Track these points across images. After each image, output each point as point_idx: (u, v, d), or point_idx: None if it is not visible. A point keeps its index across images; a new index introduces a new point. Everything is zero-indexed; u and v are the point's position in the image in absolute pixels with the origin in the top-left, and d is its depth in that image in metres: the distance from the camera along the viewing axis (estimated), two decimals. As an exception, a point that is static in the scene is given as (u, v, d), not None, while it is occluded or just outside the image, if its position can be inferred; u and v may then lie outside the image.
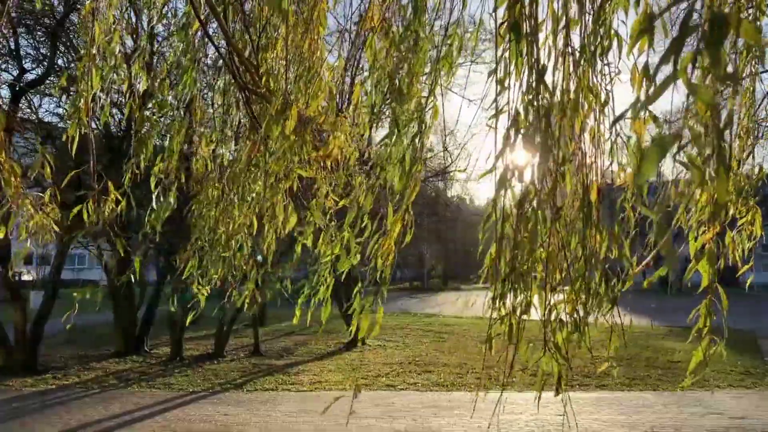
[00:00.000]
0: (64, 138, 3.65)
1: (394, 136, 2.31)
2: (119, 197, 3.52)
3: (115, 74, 3.68)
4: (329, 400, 9.75)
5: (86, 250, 17.65)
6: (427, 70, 2.82)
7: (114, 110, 11.68)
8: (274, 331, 19.19)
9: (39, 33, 12.98)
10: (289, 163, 2.97)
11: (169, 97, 3.89)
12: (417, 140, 2.31)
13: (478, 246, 2.30)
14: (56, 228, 3.68)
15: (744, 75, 3.20)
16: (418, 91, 2.30)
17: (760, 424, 8.07)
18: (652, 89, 2.35)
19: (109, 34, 3.50)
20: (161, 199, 3.77)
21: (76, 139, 3.51)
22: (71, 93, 9.91)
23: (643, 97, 2.25)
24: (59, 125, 14.00)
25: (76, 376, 11.68)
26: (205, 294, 4.06)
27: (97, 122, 4.39)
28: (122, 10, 3.66)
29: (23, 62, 12.88)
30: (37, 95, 13.64)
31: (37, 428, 7.91)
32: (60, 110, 14.45)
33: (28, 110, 13.44)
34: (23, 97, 12.67)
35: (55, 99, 14.07)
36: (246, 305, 4.03)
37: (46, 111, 27.18)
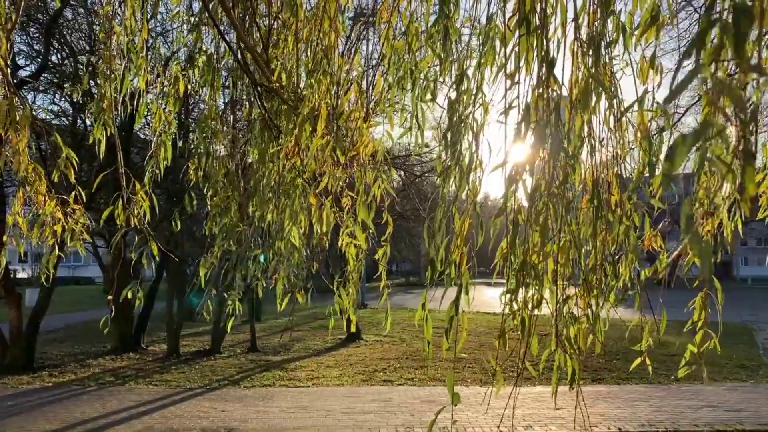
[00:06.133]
0: (90, 140, 3.63)
1: (452, 140, 2.28)
2: (143, 197, 3.49)
3: (149, 74, 3.67)
4: (326, 395, 9.79)
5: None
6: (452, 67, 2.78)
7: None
8: (270, 327, 19.18)
9: (32, 29, 12.90)
10: (323, 163, 2.97)
11: (204, 95, 3.89)
12: (473, 142, 2.28)
13: (477, 241, 2.31)
14: (86, 235, 3.63)
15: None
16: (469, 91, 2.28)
17: (755, 416, 8.13)
18: (657, 80, 2.36)
19: (132, 35, 3.49)
20: (193, 201, 3.77)
21: (103, 141, 3.50)
22: (69, 89, 9.84)
23: (650, 88, 2.26)
24: (53, 122, 13.93)
25: (72, 373, 11.65)
26: (239, 296, 4.08)
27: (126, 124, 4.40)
28: (143, 10, 3.62)
29: (16, 59, 12.78)
30: (32, 92, 13.55)
31: (34, 426, 7.88)
32: (54, 107, 14.37)
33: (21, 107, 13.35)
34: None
35: (49, 96, 13.99)
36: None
37: (40, 108, 27.09)
